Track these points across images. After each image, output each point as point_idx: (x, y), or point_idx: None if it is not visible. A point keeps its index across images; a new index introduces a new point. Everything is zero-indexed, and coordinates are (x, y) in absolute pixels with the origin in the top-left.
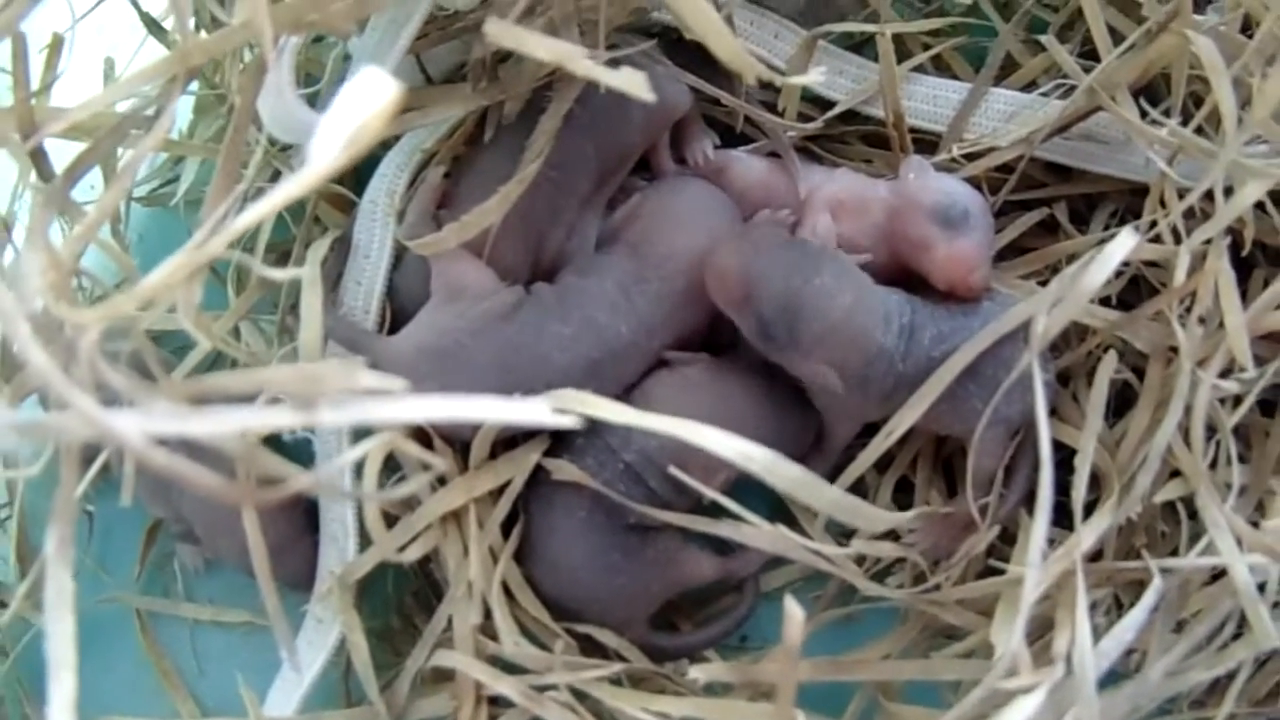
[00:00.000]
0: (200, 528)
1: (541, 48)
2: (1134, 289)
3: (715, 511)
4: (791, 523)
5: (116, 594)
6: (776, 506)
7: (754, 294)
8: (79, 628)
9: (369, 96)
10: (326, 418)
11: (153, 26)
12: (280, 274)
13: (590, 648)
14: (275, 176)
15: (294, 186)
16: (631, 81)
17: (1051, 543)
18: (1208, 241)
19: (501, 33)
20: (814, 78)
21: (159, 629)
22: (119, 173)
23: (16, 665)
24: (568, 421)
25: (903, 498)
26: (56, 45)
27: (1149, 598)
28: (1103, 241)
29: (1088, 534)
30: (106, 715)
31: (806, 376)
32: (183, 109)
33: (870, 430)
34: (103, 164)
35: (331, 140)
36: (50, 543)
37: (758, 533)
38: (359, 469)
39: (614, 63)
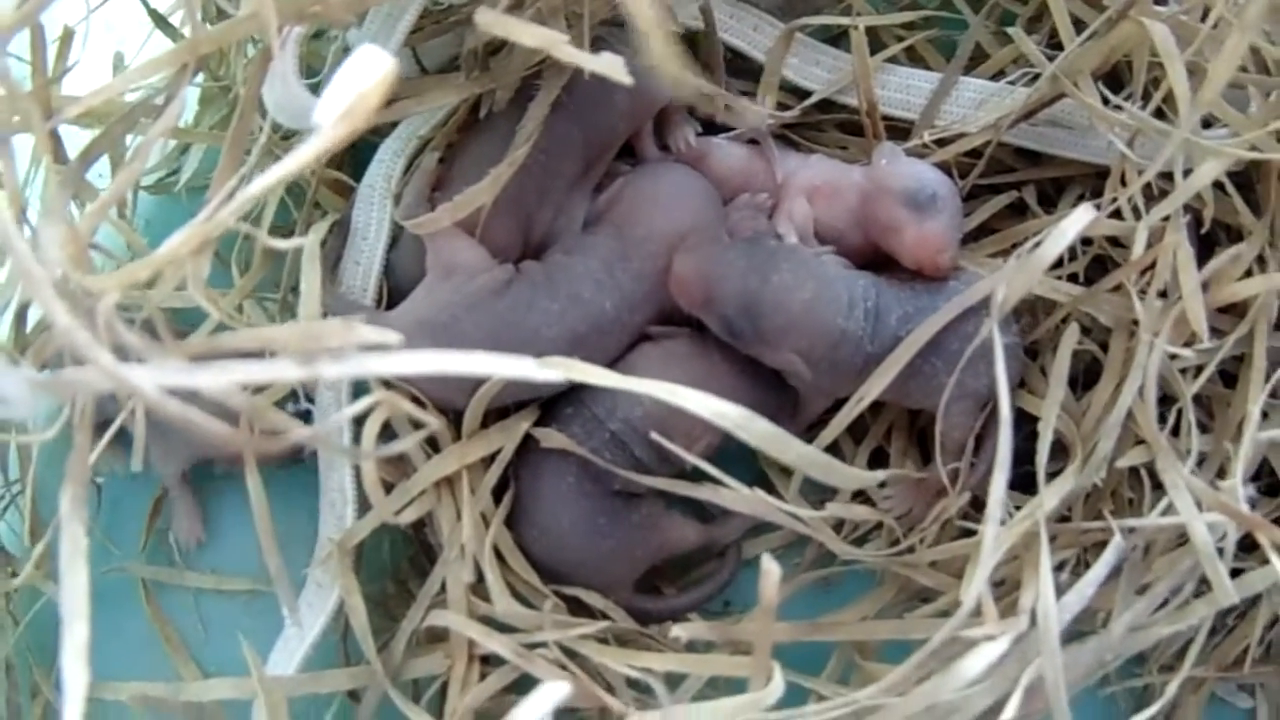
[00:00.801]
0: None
1: (528, 35)
2: (1100, 269)
3: (698, 480)
4: (770, 492)
5: (122, 564)
6: (757, 477)
7: (714, 297)
8: (95, 599)
9: (369, 70)
10: (328, 371)
11: (160, 21)
12: (284, 244)
13: (577, 610)
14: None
15: (304, 153)
16: (610, 65)
17: (1020, 509)
18: (1166, 218)
19: (492, 21)
20: (790, 72)
21: (163, 599)
22: (134, 153)
23: (27, 633)
24: (552, 376)
25: (878, 468)
26: (67, 38)
27: (1110, 554)
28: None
29: (1050, 495)
30: (111, 680)
31: (777, 365)
32: (188, 101)
33: (845, 402)
34: (110, 152)
35: (337, 107)
36: (64, 501)
37: (737, 496)
38: (357, 436)
39: (596, 51)
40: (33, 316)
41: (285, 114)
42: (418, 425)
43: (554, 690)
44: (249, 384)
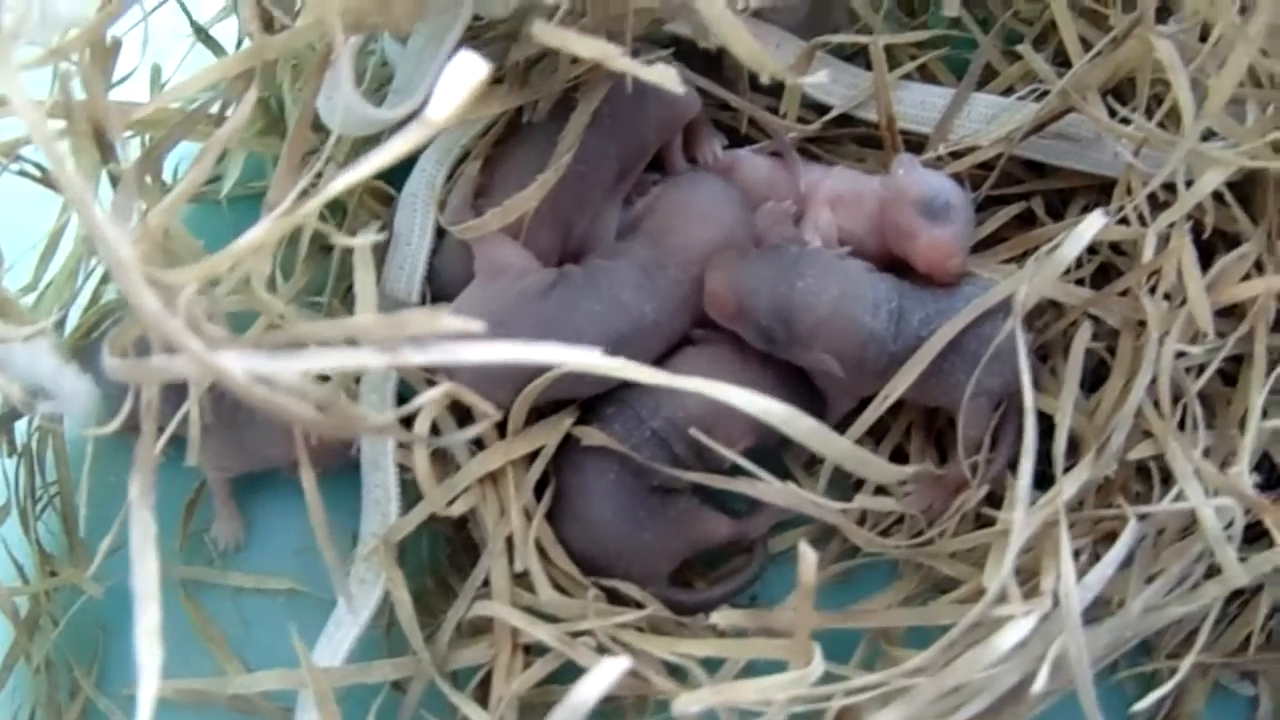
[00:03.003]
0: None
1: (583, 47)
2: (1103, 277)
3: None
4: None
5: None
6: (782, 476)
7: (747, 306)
8: (126, 599)
9: (467, 73)
10: (411, 358)
11: (201, 34)
12: (351, 241)
13: (615, 602)
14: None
15: (406, 143)
16: (664, 75)
17: (1033, 503)
18: (1171, 224)
19: (547, 34)
20: (818, 78)
21: (202, 601)
22: (201, 155)
23: (66, 632)
24: (616, 369)
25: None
26: (113, 49)
27: (1127, 536)
28: (1074, 227)
29: (1068, 484)
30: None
31: (809, 365)
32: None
33: (867, 403)
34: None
35: (448, 105)
36: (133, 489)
37: (774, 490)
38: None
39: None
40: (70, 321)
41: (342, 121)
42: (462, 421)
43: (613, 666)
44: (330, 373)
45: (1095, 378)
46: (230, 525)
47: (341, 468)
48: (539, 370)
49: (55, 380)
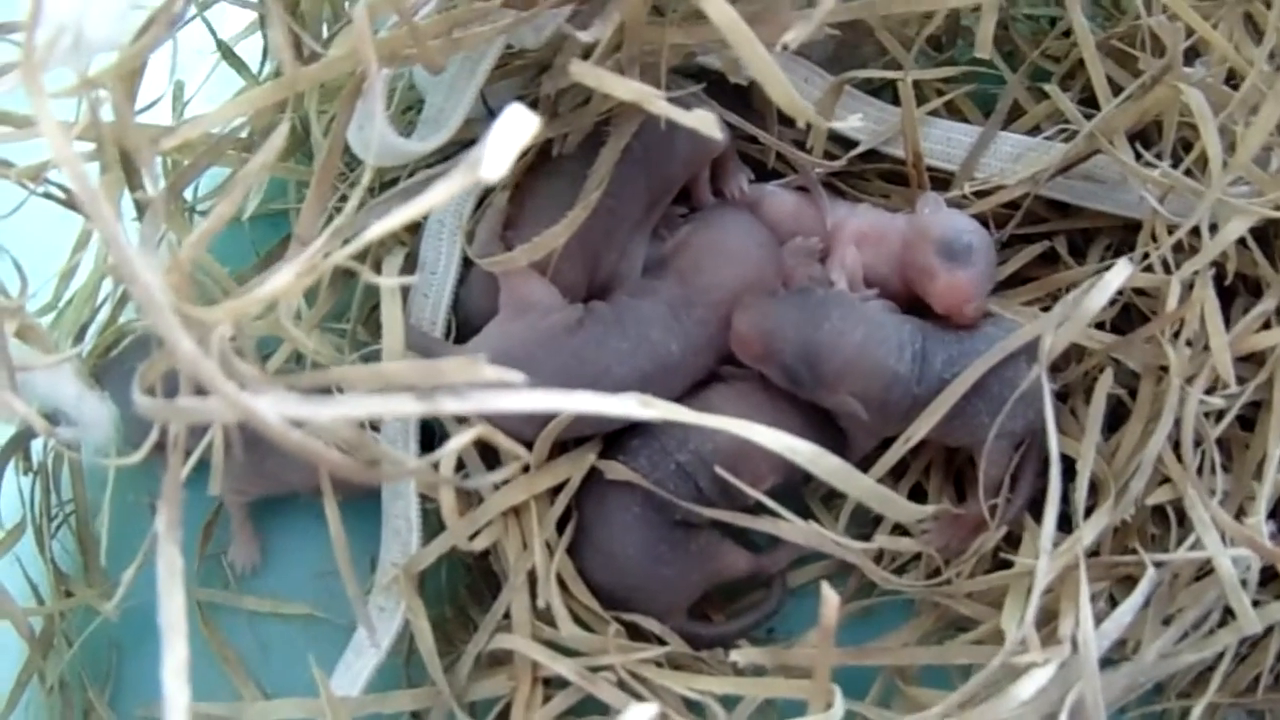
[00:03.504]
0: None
1: (622, 89)
2: (1125, 317)
3: (755, 513)
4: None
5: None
6: (803, 512)
7: (773, 348)
8: (141, 618)
9: (519, 126)
10: (448, 407)
11: (226, 52)
12: (381, 280)
13: (634, 635)
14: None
15: (448, 190)
16: (703, 120)
17: (1054, 545)
18: (1196, 272)
19: (585, 73)
20: (850, 123)
21: (219, 623)
22: (232, 183)
23: (80, 653)
24: (650, 414)
25: (917, 503)
26: (139, 69)
27: (1145, 584)
28: (1099, 271)
29: (1088, 530)
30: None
31: (835, 407)
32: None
33: (889, 442)
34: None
35: (502, 160)
36: (160, 524)
37: (794, 529)
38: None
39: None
40: (89, 340)
41: (373, 152)
42: (486, 451)
43: (643, 711)
44: (364, 418)
45: (1113, 418)
46: (247, 548)
47: (361, 493)
48: None
49: (77, 406)
